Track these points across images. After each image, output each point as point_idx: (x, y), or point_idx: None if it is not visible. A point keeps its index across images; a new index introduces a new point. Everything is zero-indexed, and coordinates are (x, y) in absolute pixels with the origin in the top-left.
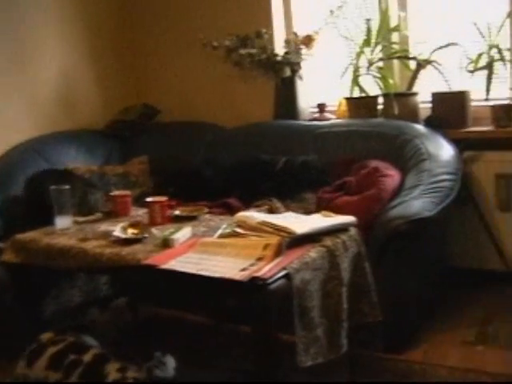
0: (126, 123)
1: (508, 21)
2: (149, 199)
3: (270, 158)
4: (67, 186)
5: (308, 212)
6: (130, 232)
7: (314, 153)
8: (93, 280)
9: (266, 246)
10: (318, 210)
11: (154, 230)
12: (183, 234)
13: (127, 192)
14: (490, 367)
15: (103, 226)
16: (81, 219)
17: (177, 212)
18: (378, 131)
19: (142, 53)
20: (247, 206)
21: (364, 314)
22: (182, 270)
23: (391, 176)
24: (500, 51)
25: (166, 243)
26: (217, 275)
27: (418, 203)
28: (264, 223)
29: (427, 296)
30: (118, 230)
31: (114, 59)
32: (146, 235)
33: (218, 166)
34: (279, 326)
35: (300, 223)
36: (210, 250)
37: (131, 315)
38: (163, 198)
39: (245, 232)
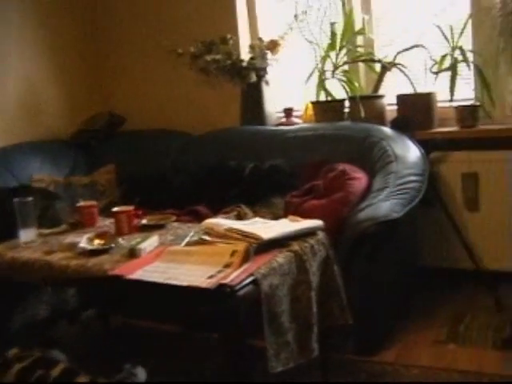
0: (92, 132)
1: (470, 22)
2: (115, 209)
3: (237, 164)
4: (30, 198)
5: (276, 217)
6: (97, 243)
7: (281, 158)
8: (60, 293)
9: (233, 253)
10: (286, 214)
11: (121, 240)
12: (150, 243)
13: (93, 202)
14: (461, 365)
15: (69, 238)
16: (46, 231)
17: (144, 221)
18: (345, 134)
19: (107, 61)
20: (216, 212)
21: (334, 317)
22: (149, 280)
23: (359, 179)
24: (463, 52)
25: (133, 253)
26: (184, 284)
27: (385, 205)
28: (231, 230)
29: (399, 297)
30: (83, 242)
31: (78, 67)
32: (113, 245)
33: (186, 174)
34: (249, 331)
35: (267, 229)
36: (177, 258)
37: (102, 326)
38: (130, 208)
39: (212, 239)
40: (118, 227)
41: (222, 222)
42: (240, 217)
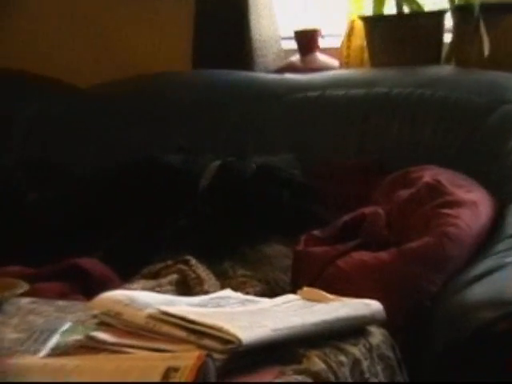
0: None
1: None
2: None
3: (184, 161)
4: None
5: (273, 289)
6: None
7: (287, 148)
8: None
9: (167, 374)
10: (296, 282)
11: None
12: None
13: None
14: None
15: None
16: None
17: None
18: (442, 96)
19: None
20: (128, 274)
21: None
22: None
23: (471, 205)
24: None
25: None
26: None
27: None
28: (164, 318)
29: None
30: None
31: None
32: None
33: (56, 179)
34: None
35: (250, 317)
36: None
37: None
38: None
39: (118, 340)
40: None
41: (141, 299)
42: (186, 285)
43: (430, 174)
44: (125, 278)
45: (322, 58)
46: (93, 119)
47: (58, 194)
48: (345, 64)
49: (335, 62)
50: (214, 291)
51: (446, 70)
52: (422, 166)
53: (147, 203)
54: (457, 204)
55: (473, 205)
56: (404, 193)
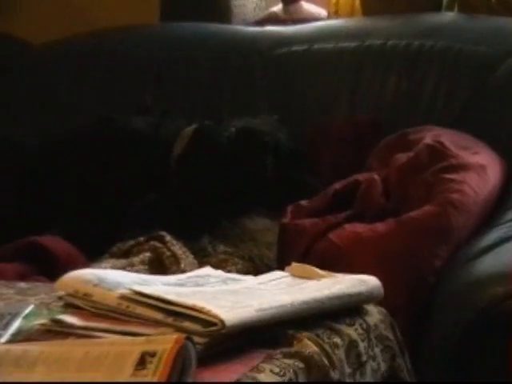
0: None
1: None
2: None
3: (153, 125)
4: None
5: (257, 267)
6: None
7: (269, 110)
8: None
9: (142, 360)
10: (283, 259)
11: None
12: None
13: None
14: None
15: None
16: None
17: None
18: (444, 49)
19: None
20: (93, 252)
21: None
22: None
23: (477, 168)
24: None
25: None
26: None
27: None
28: (140, 297)
29: None
30: None
31: None
32: None
33: (6, 150)
34: None
35: (235, 297)
36: None
37: None
38: None
39: (86, 324)
40: None
41: (112, 278)
42: (160, 264)
43: (431, 135)
44: (91, 257)
45: (307, 6)
46: (45, 79)
47: (7, 168)
48: (334, 13)
49: (323, 12)
50: (192, 270)
51: (447, 17)
52: (422, 126)
53: (111, 174)
54: (462, 168)
55: (480, 168)
56: (402, 157)
